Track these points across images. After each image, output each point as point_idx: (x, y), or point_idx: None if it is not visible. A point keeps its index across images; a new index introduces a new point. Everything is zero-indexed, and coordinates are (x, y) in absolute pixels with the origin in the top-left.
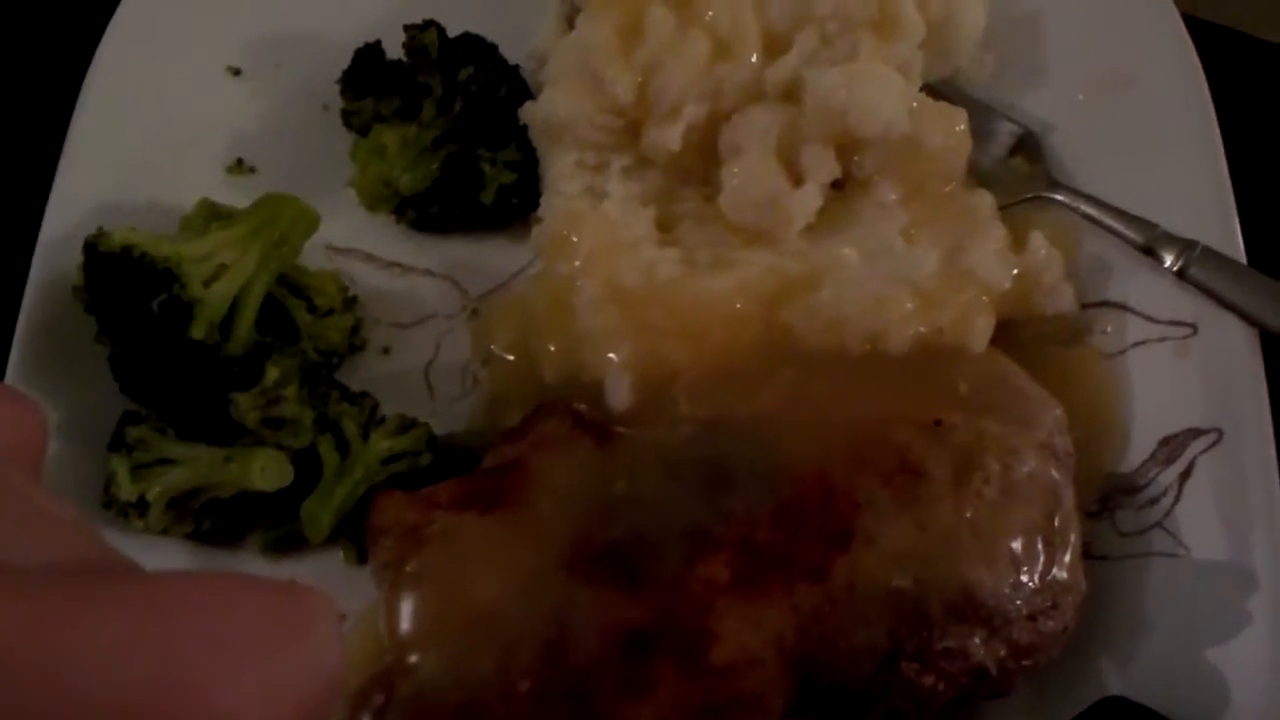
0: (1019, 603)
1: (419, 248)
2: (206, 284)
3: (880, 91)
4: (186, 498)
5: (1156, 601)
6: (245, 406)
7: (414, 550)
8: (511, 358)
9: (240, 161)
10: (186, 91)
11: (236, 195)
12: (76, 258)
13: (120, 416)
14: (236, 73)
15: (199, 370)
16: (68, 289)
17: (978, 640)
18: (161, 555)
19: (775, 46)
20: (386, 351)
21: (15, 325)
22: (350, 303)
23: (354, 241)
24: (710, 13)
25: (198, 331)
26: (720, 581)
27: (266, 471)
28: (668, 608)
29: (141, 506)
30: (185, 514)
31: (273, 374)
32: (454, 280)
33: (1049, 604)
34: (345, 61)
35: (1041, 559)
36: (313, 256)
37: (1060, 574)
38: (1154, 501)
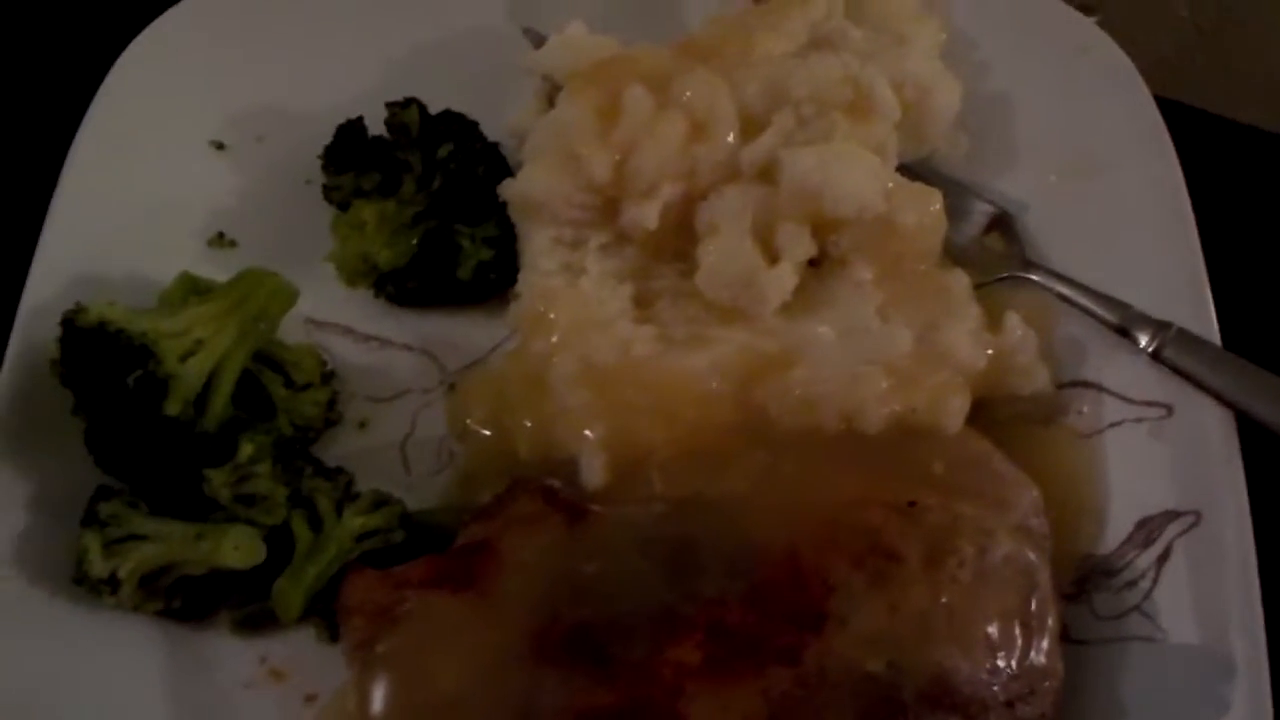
0: (995, 689)
1: (397, 322)
2: (182, 359)
3: (855, 172)
4: (158, 574)
5: (1134, 687)
6: (218, 483)
7: (385, 630)
8: (487, 433)
9: (221, 235)
10: (169, 165)
11: (217, 269)
12: (55, 330)
13: (94, 491)
14: (219, 147)
15: (173, 446)
16: (46, 361)
17: None
18: (132, 632)
19: (751, 127)
20: (363, 426)
21: None
22: (328, 377)
23: (333, 315)
24: (687, 93)
25: (172, 407)
26: (690, 664)
27: (239, 549)
28: (637, 691)
29: (113, 583)
30: (156, 591)
31: (246, 450)
32: (432, 355)
33: (1027, 690)
34: (327, 137)
35: (1018, 644)
36: (292, 329)
37: (1038, 659)
38: (1132, 584)
